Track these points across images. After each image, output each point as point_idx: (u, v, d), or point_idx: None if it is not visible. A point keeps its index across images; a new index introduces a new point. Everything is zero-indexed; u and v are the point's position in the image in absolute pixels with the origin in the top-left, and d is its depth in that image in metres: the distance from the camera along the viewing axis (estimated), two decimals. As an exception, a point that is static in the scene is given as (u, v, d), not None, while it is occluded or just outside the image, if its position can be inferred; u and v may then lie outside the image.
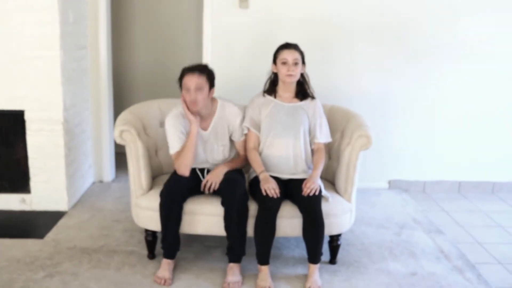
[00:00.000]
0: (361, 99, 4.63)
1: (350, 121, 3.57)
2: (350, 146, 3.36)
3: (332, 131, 3.64)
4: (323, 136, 3.43)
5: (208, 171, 3.36)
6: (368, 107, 4.54)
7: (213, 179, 3.24)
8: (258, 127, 3.38)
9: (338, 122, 3.67)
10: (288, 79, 3.32)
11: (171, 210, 3.16)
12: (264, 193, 3.10)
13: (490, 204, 4.69)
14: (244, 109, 3.44)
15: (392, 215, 4.29)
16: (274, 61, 3.38)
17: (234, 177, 3.25)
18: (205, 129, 3.32)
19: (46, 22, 3.84)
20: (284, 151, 3.32)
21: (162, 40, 5.78)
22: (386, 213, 4.34)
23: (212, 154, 3.37)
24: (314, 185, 3.14)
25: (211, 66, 3.36)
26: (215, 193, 3.27)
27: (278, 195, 3.10)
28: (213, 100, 3.35)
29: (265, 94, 3.44)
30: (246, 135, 3.40)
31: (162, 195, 3.16)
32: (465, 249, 3.71)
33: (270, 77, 3.47)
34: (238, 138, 3.40)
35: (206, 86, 3.20)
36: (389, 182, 4.97)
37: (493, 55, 4.69)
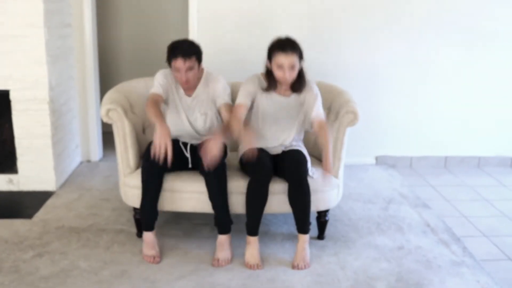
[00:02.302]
0: (347, 75, 4.62)
1: (337, 97, 3.57)
2: (337, 122, 3.36)
3: (319, 108, 3.66)
4: (321, 113, 3.28)
5: (192, 146, 3.33)
6: (355, 83, 4.53)
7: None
8: (251, 100, 3.25)
9: (325, 98, 3.64)
10: (284, 81, 3.19)
11: (150, 181, 3.15)
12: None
13: (476, 178, 4.74)
14: (230, 85, 3.40)
15: (379, 191, 4.33)
16: (269, 58, 3.18)
17: None
18: (189, 95, 3.34)
19: (30, 0, 3.78)
20: (274, 141, 3.31)
21: (148, 16, 5.72)
22: (373, 188, 4.38)
23: (195, 122, 3.35)
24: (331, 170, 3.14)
25: (198, 40, 3.30)
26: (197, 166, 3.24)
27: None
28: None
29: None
30: (235, 106, 3.24)
31: (143, 168, 3.17)
32: (451, 223, 3.76)
33: (265, 73, 3.28)
34: (219, 102, 3.31)
35: (196, 65, 3.20)
36: (376, 158, 5.00)
37: (481, 29, 4.69)
